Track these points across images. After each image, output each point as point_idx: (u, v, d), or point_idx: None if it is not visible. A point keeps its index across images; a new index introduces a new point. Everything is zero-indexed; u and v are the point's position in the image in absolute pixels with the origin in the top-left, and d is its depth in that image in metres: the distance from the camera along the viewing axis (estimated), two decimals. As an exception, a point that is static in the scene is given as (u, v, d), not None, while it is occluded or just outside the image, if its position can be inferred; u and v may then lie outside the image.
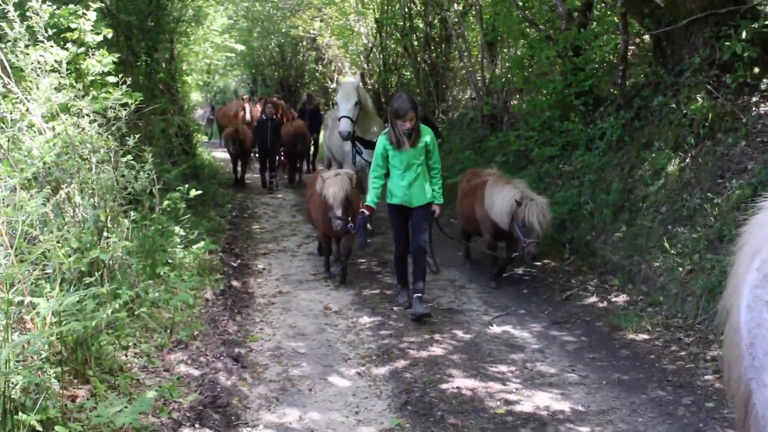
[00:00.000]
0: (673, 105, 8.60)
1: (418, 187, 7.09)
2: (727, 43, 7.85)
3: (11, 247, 4.38)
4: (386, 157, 7.09)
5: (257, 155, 16.64)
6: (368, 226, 7.96)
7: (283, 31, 26.39)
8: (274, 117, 16.64)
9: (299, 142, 16.84)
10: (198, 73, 22.66)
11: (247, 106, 20.94)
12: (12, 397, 3.61)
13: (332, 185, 7.73)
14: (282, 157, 17.82)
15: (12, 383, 3.62)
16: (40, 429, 3.74)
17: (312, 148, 19.20)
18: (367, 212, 7.18)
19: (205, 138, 20.92)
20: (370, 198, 7.12)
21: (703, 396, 5.23)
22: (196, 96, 28.33)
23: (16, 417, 3.60)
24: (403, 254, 7.41)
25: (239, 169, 16.92)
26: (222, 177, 17.07)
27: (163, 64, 14.14)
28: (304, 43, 27.70)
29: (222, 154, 20.28)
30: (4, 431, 3.43)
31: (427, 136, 7.11)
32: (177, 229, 8.03)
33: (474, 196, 8.55)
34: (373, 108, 10.83)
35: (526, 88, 12.83)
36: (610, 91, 10.66)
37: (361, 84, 10.32)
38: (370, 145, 9.13)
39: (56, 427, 3.86)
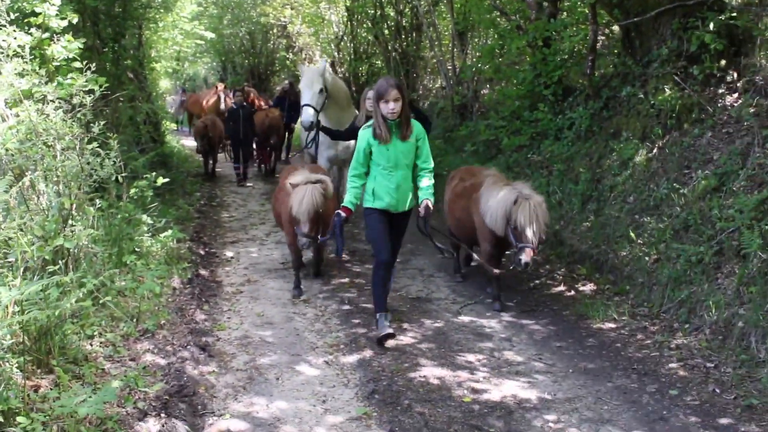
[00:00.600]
0: (641, 95, 8.66)
1: (406, 189, 6.17)
2: (696, 33, 7.90)
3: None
4: (369, 154, 6.12)
5: (230, 146, 16.09)
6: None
7: (254, 19, 26.16)
8: (245, 104, 15.83)
9: (273, 133, 15.93)
10: (167, 60, 22.33)
11: (221, 95, 20.07)
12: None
13: (300, 197, 6.86)
14: (255, 148, 16.86)
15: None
16: (1, 419, 3.69)
17: (286, 139, 18.17)
18: (344, 214, 6.10)
19: (173, 126, 20.58)
20: (349, 199, 6.15)
21: (667, 383, 5.30)
22: (165, 83, 27.99)
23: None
24: (386, 269, 6.25)
25: (210, 162, 16.19)
26: (191, 165, 16.91)
27: (131, 51, 13.95)
28: (275, 30, 27.48)
29: (191, 143, 20.10)
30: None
31: (418, 129, 6.19)
32: (144, 217, 7.95)
33: (469, 200, 7.46)
34: (348, 97, 9.90)
35: (497, 77, 12.86)
36: (579, 81, 10.72)
37: (329, 69, 9.34)
38: (338, 136, 8.77)
39: (18, 418, 3.81)
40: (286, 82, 18.74)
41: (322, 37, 23.18)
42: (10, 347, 4.40)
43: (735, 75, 7.94)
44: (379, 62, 19.60)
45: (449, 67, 15.07)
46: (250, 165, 16.35)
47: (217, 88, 21.50)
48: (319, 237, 6.99)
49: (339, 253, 6.53)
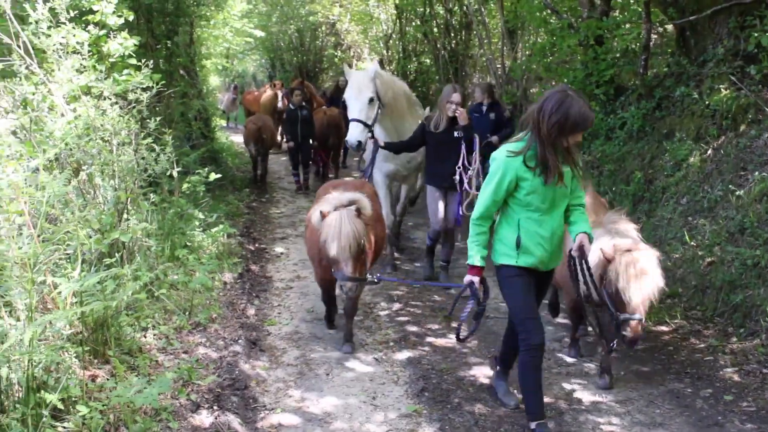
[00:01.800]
0: (696, 96, 8.52)
1: (559, 237, 4.57)
2: (755, 34, 7.76)
3: (33, 227, 4.40)
4: (512, 190, 4.37)
5: (288, 149, 14.08)
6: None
7: (303, 17, 26.29)
8: (304, 104, 13.93)
9: (332, 134, 14.13)
10: (217, 57, 22.57)
11: (279, 93, 18.53)
12: (35, 375, 3.64)
13: (334, 230, 5.28)
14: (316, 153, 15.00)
15: (35, 362, 3.64)
16: (62, 407, 3.78)
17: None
18: (477, 279, 4.61)
19: (223, 122, 20.69)
20: (478, 252, 4.52)
21: (722, 389, 5.21)
22: (215, 80, 28.31)
23: (38, 395, 3.62)
24: (541, 355, 4.54)
25: (259, 167, 14.69)
26: (240, 161, 17.04)
27: (183, 48, 14.13)
28: (323, 28, 27.61)
29: (241, 138, 20.28)
30: (27, 409, 3.46)
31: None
32: (196, 212, 8.07)
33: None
34: (410, 99, 8.46)
35: (547, 76, 12.73)
36: (631, 80, 10.58)
37: (381, 72, 7.69)
38: (403, 148, 7.70)
39: (77, 406, 3.89)
40: (342, 78, 15.86)
41: (371, 35, 23.22)
42: (69, 337, 4.50)
43: (794, 75, 7.77)
44: (428, 60, 19.57)
45: (498, 66, 14.98)
46: (311, 170, 14.61)
47: (275, 85, 20.10)
48: (368, 276, 5.58)
49: (472, 331, 4.99)
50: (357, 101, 7.34)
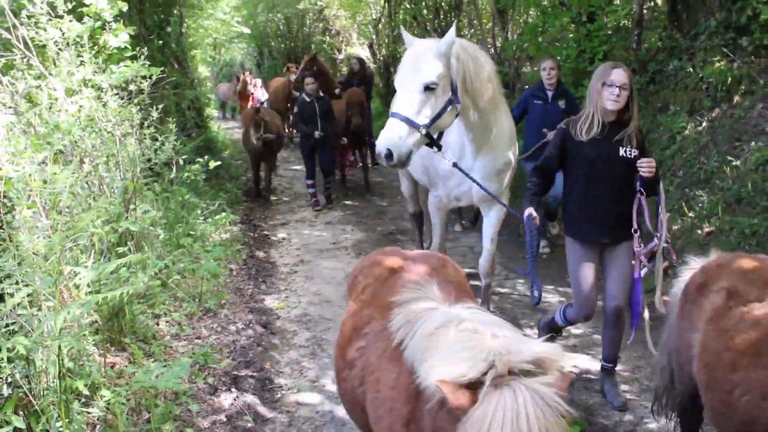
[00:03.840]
0: (689, 69, 8.60)
1: None
2: (745, 3, 7.83)
3: (46, 217, 4.47)
4: None
5: (302, 151, 11.20)
6: None
7: (289, 3, 26.20)
8: (323, 94, 10.88)
9: (354, 114, 11.20)
10: (203, 47, 22.52)
11: (293, 77, 15.05)
12: (63, 362, 3.71)
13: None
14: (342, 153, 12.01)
15: (64, 348, 3.72)
16: (87, 393, 3.86)
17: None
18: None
19: (214, 112, 20.66)
20: None
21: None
22: (203, 70, 28.25)
23: (65, 382, 3.70)
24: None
25: (262, 175, 11.90)
26: (234, 150, 17.06)
27: (175, 38, 14.14)
28: (311, 14, 27.55)
29: (231, 124, 20.31)
30: (59, 394, 3.54)
31: None
32: (198, 201, 8.13)
33: None
34: (499, 84, 5.52)
35: (539, 55, 12.79)
36: (625, 56, 10.65)
37: (459, 40, 4.95)
38: (539, 185, 4.70)
39: (102, 391, 3.97)
40: (354, 60, 14.51)
41: (359, 20, 23.18)
42: (86, 326, 4.57)
43: (786, 45, 7.86)
44: (417, 43, 19.55)
45: (490, 46, 15.03)
46: (333, 180, 11.44)
47: (289, 68, 17.35)
48: None
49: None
50: (405, 89, 4.67)
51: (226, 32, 23.80)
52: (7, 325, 3.65)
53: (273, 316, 6.39)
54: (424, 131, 4.58)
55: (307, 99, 10.58)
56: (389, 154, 4.47)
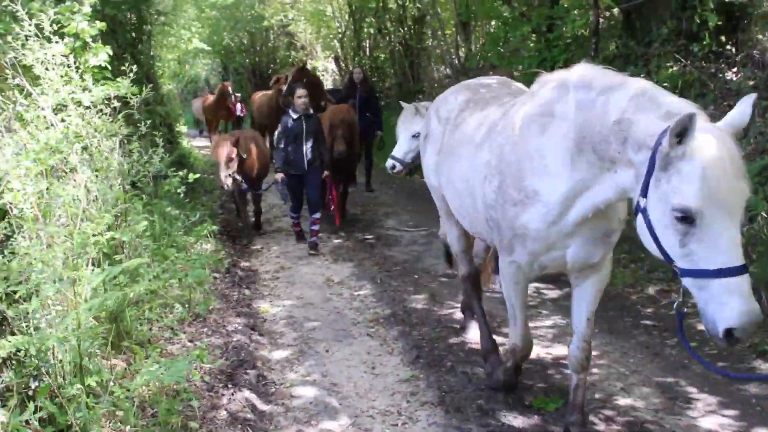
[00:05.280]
0: (644, 74, 9.08)
1: None
2: (695, 12, 8.32)
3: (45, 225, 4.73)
4: None
5: (281, 180, 9.10)
6: None
7: (251, 20, 26.31)
8: (311, 111, 9.32)
9: (338, 139, 9.59)
10: (168, 63, 22.62)
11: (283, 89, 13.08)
12: (77, 360, 3.98)
13: None
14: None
15: (80, 347, 3.98)
16: (98, 388, 4.13)
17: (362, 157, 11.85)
18: None
19: (184, 128, 20.66)
20: None
21: (687, 338, 5.72)
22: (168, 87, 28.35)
23: (82, 377, 3.97)
24: None
25: (246, 207, 10.41)
26: (206, 165, 17.22)
27: (147, 57, 14.37)
28: (275, 29, 27.84)
29: (203, 142, 20.42)
30: (74, 389, 3.81)
31: None
32: (178, 213, 8.38)
33: None
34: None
35: (501, 65, 13.25)
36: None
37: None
38: None
39: (111, 388, 4.24)
40: (356, 69, 13.04)
41: (324, 33, 23.54)
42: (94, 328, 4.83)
43: (734, 50, 8.36)
44: (383, 55, 19.97)
45: (454, 57, 15.46)
46: (323, 214, 9.46)
47: (279, 80, 15.46)
48: None
49: None
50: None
51: (190, 49, 23.97)
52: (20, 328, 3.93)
53: (260, 319, 6.69)
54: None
55: (293, 116, 8.99)
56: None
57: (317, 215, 9.08)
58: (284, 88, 12.48)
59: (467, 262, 5.64)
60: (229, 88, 19.42)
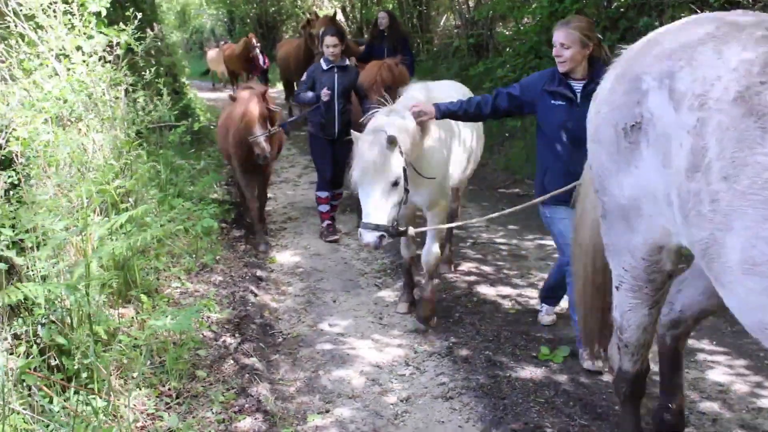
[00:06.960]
0: (658, 25, 8.90)
1: None
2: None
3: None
4: None
5: (311, 148, 7.85)
6: None
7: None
8: (349, 62, 7.80)
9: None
10: (173, 14, 22.34)
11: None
12: (85, 308, 3.98)
13: None
14: None
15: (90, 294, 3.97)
16: (105, 337, 4.14)
17: None
18: None
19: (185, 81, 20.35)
20: None
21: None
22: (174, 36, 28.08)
23: (90, 324, 3.97)
24: None
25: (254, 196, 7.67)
26: (213, 115, 17.10)
27: (149, 5, 14.17)
28: (282, -24, 27.45)
29: (210, 94, 20.25)
30: (83, 335, 3.81)
31: None
32: (184, 163, 8.34)
33: None
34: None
35: (511, 15, 13.03)
36: (595, 13, 10.92)
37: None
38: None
39: (119, 336, 4.25)
40: (381, 13, 10.59)
41: (331, -18, 23.20)
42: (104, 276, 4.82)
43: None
44: (390, 5, 19.68)
45: (463, 6, 15.22)
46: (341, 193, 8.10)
47: (310, 22, 13.05)
48: None
49: None
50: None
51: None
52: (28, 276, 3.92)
53: (267, 269, 6.68)
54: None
55: (324, 66, 7.27)
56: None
57: (340, 190, 7.80)
58: (314, 32, 10.79)
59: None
60: (254, 40, 18.37)
